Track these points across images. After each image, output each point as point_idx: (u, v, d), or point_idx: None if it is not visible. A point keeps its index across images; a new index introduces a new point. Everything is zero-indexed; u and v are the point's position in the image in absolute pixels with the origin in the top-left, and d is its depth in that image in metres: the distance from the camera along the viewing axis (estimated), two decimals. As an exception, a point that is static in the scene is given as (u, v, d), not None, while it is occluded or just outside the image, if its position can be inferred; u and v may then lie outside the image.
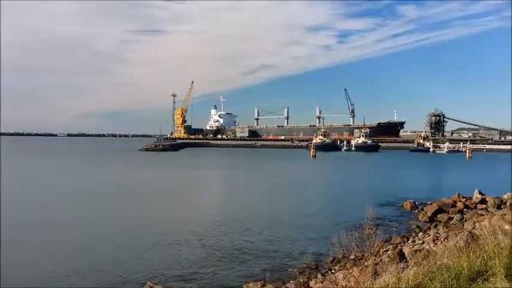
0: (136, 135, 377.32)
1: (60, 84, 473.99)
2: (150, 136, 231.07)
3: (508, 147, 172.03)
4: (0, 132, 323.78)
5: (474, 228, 19.77)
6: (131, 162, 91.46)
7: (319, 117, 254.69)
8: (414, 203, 35.40)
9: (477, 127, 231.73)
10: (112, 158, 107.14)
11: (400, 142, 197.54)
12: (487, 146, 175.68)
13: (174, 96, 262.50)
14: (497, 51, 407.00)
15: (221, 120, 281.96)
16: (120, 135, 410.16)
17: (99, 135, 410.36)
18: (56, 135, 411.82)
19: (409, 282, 7.93)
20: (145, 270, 17.93)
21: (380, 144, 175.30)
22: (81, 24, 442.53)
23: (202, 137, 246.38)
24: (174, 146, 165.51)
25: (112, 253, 20.61)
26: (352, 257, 17.22)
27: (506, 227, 16.13)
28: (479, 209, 31.12)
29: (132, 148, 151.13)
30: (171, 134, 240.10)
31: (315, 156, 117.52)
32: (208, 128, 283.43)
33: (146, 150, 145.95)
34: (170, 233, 24.98)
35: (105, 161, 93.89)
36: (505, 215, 21.62)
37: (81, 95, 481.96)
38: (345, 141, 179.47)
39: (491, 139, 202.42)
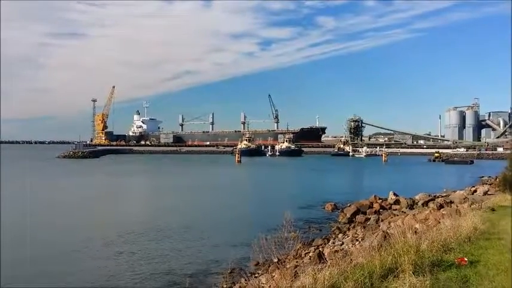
0: (54, 142, 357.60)
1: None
2: (69, 143, 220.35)
3: (420, 150, 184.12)
4: None
5: (389, 228, 20.79)
6: (46, 171, 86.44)
7: (244, 123, 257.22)
8: (335, 205, 36.55)
9: (392, 132, 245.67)
10: (25, 166, 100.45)
11: (322, 147, 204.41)
12: (401, 150, 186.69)
13: (94, 101, 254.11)
14: (404, 61, 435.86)
15: (144, 126, 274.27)
16: (36, 142, 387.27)
17: (12, 142, 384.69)
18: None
19: (324, 282, 8.12)
20: (57, 281, 17.03)
21: (303, 149, 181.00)
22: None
23: (124, 143, 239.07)
24: (93, 152, 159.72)
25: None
26: (275, 260, 17.40)
27: (417, 225, 17.17)
28: (394, 210, 32.87)
29: (49, 155, 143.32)
30: (91, 141, 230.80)
31: (240, 161, 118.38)
32: (131, 134, 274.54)
33: (64, 157, 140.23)
34: (87, 241, 23.95)
35: (17, 170, 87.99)
36: (415, 215, 22.96)
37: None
38: (269, 147, 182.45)
39: (405, 143, 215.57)
